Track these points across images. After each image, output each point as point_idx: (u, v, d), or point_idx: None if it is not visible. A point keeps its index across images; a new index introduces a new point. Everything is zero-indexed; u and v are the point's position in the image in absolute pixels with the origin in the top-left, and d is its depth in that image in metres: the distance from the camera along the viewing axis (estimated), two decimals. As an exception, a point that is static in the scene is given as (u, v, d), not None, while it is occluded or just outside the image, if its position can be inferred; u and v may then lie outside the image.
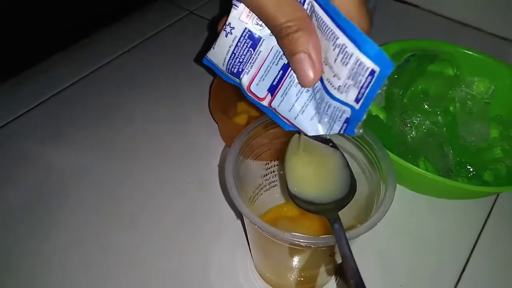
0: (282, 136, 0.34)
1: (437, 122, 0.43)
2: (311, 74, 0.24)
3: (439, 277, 0.39)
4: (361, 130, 0.25)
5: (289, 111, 0.27)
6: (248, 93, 0.28)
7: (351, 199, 0.29)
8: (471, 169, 0.42)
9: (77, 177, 0.45)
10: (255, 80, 0.28)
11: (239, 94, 0.48)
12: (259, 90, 0.28)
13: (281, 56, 0.27)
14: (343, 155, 0.31)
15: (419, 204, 0.44)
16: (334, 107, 0.25)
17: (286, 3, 0.24)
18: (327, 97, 0.25)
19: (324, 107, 0.26)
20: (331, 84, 0.24)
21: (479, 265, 0.39)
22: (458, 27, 0.66)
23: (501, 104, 0.46)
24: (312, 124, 0.27)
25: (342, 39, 0.22)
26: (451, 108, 0.45)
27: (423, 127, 0.43)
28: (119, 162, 0.46)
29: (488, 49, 0.49)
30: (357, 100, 0.23)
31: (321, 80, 0.25)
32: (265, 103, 0.28)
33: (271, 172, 0.37)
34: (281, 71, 0.27)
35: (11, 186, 0.44)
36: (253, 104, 0.51)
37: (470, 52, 0.48)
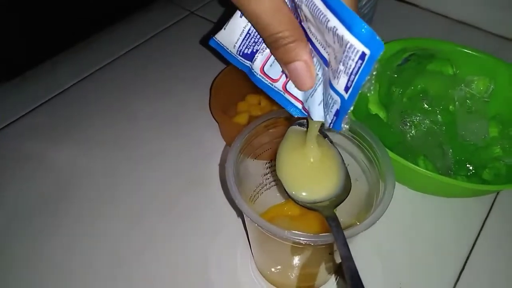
0: (283, 136, 0.34)
1: (437, 121, 0.44)
2: (309, 79, 0.26)
3: (438, 275, 0.39)
4: (347, 126, 0.25)
5: (304, 92, 0.27)
6: (261, 75, 0.28)
7: (346, 196, 0.29)
8: (470, 168, 0.42)
9: (79, 176, 0.45)
10: (269, 60, 0.28)
11: (240, 93, 0.49)
12: (273, 71, 0.28)
13: None
14: (339, 152, 0.31)
15: (418, 202, 0.44)
16: (329, 94, 0.25)
17: (281, 13, 0.24)
18: (327, 82, 0.25)
19: (326, 93, 0.25)
20: (331, 66, 0.24)
21: (479, 264, 0.39)
22: (457, 26, 0.66)
23: (501, 103, 0.46)
24: (318, 110, 0.27)
25: (333, 21, 0.21)
26: (450, 107, 0.45)
27: (423, 126, 0.43)
28: (120, 161, 0.47)
29: (487, 48, 0.49)
30: (346, 89, 0.23)
31: (325, 61, 0.25)
32: (278, 84, 0.28)
33: (271, 171, 0.37)
34: None
35: (14, 185, 0.45)
36: (254, 103, 0.52)
37: (469, 51, 0.48)
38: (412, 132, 0.43)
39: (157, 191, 0.44)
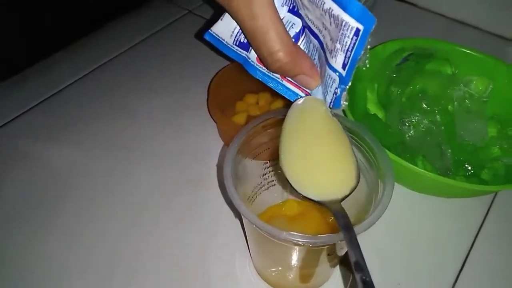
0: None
1: (435, 121, 0.43)
2: (314, 83, 0.27)
3: (437, 275, 0.39)
4: (346, 103, 0.26)
5: None
6: (258, 64, 0.29)
7: (355, 187, 0.27)
8: (469, 168, 0.42)
9: (77, 175, 0.45)
10: None
11: (238, 93, 0.49)
12: None
13: (292, 25, 0.27)
14: (348, 136, 0.28)
15: (417, 203, 0.44)
16: (327, 74, 0.26)
17: (274, 30, 0.25)
18: (323, 57, 0.26)
19: (323, 73, 0.26)
20: (327, 47, 0.25)
21: (478, 264, 0.39)
22: (456, 26, 0.66)
23: (499, 103, 0.46)
24: (318, 91, 0.28)
25: (328, 3, 0.23)
26: (449, 107, 0.45)
27: (421, 126, 0.43)
28: (118, 160, 0.46)
29: (486, 48, 0.49)
30: (343, 66, 0.24)
31: (321, 44, 0.26)
32: None
33: (269, 172, 0.37)
34: (293, 40, 0.27)
35: (12, 184, 0.44)
36: (252, 103, 0.51)
37: (468, 51, 0.48)
38: (411, 132, 0.43)
39: (155, 191, 0.44)
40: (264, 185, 0.38)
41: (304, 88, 0.29)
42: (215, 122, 0.48)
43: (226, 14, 0.28)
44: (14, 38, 0.54)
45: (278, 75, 0.29)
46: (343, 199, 0.26)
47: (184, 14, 0.67)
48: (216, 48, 0.30)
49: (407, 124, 0.43)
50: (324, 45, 0.25)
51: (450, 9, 0.67)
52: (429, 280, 0.38)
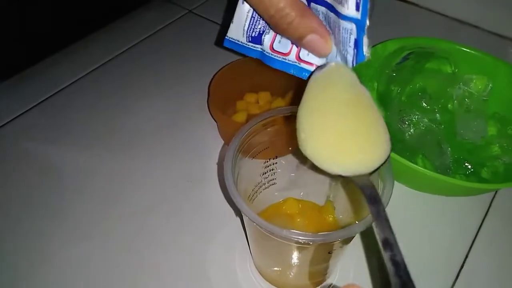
0: (281, 134, 0.34)
1: (435, 120, 0.43)
2: (326, 45, 0.26)
3: (437, 274, 0.39)
4: (369, 50, 0.24)
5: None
6: (272, 53, 0.29)
7: (387, 159, 0.24)
8: (469, 166, 0.42)
9: (77, 176, 0.45)
10: (277, 37, 0.29)
11: (238, 92, 0.49)
12: (283, 46, 0.29)
13: None
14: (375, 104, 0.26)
15: (417, 201, 0.44)
16: (343, 27, 0.25)
17: None
18: (334, 18, 0.25)
19: (337, 35, 0.25)
20: (336, 0, 0.24)
21: (478, 262, 0.39)
22: (457, 25, 0.66)
23: (499, 101, 0.46)
24: (333, 58, 0.27)
25: None
26: (449, 105, 0.45)
27: (421, 124, 0.43)
28: (118, 161, 0.47)
29: (486, 47, 0.49)
30: (357, 7, 0.23)
31: (329, 5, 0.25)
32: (291, 57, 0.29)
33: (270, 170, 0.37)
34: None
35: (12, 185, 0.44)
36: (252, 102, 0.51)
37: (468, 50, 0.48)
38: (411, 130, 0.43)
39: (155, 190, 0.44)
40: (264, 184, 0.38)
41: (318, 56, 0.27)
42: (216, 122, 0.48)
43: (235, 15, 0.29)
44: (14, 38, 0.54)
45: (295, 60, 0.28)
46: (373, 172, 0.24)
47: (184, 13, 0.67)
48: (236, 51, 0.31)
49: (407, 122, 0.43)
50: (332, 1, 0.25)
51: (451, 8, 0.67)
52: (429, 279, 0.38)
